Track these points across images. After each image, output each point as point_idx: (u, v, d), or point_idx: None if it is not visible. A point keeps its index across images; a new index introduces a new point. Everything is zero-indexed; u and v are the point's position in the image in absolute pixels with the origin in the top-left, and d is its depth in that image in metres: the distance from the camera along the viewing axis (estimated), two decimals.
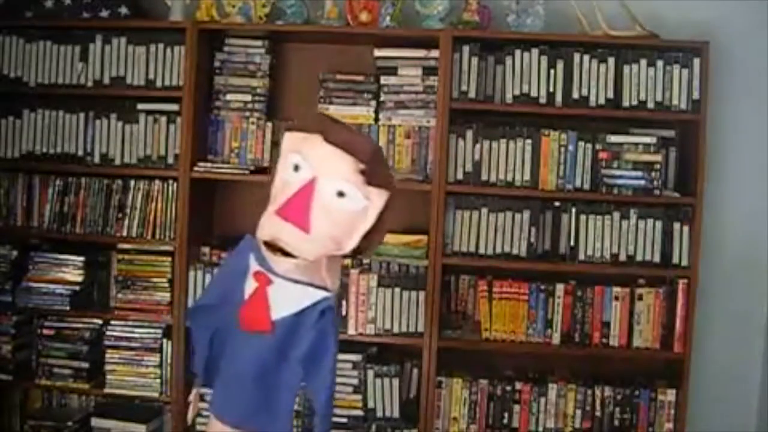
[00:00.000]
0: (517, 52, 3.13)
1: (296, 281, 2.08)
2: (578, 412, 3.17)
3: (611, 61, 3.11)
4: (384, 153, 2.19)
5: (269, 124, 3.25)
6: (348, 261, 3.12)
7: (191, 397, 2.37)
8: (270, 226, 2.05)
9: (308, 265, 2.07)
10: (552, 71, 3.12)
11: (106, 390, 3.26)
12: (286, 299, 2.08)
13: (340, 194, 2.02)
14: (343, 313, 3.15)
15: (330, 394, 2.09)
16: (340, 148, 2.02)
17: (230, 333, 2.17)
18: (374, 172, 2.04)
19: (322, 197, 2.01)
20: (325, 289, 2.10)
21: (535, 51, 3.12)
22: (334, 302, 2.11)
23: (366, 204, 2.05)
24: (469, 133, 3.16)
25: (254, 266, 2.13)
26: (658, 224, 3.12)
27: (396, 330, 3.16)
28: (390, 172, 2.18)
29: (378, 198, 2.06)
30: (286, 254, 2.03)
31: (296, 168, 2.05)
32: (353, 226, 2.06)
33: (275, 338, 2.08)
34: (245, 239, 2.20)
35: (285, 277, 2.08)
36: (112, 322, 3.26)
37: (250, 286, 2.13)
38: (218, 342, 2.22)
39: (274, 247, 2.04)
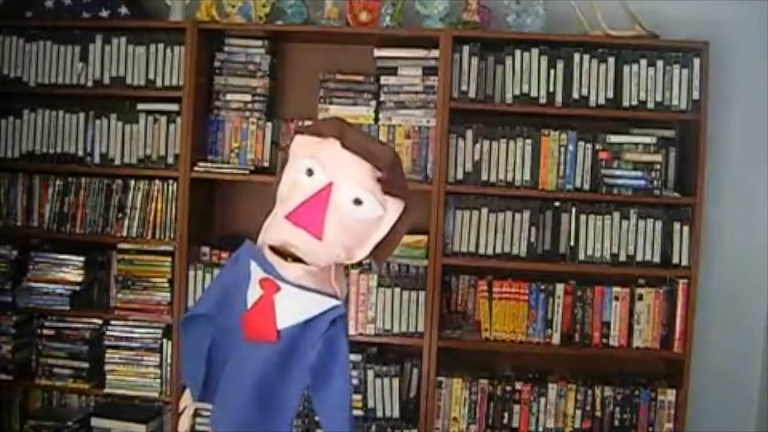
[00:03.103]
0: (517, 52, 3.13)
1: (306, 288, 1.99)
2: (578, 412, 3.17)
3: (611, 61, 3.11)
4: (401, 162, 2.12)
5: (269, 124, 3.25)
6: None
7: (182, 406, 2.23)
8: (279, 230, 1.99)
9: (318, 272, 2.00)
10: (552, 71, 3.11)
11: (106, 390, 3.26)
12: (294, 307, 2.00)
13: (357, 202, 1.96)
14: None
15: (348, 410, 1.98)
16: (358, 155, 1.97)
17: (230, 343, 2.07)
18: (392, 181, 1.99)
19: (337, 204, 1.95)
20: (334, 297, 2.03)
21: (535, 51, 3.12)
22: (345, 310, 2.04)
23: (381, 213, 2.00)
24: (469, 133, 3.16)
25: (259, 273, 2.02)
26: (658, 224, 3.12)
27: (396, 330, 3.16)
28: (406, 181, 2.11)
29: (394, 208, 2.01)
30: (295, 260, 1.97)
31: (310, 172, 1.98)
32: (366, 235, 2.01)
33: (280, 348, 1.99)
34: (245, 245, 2.11)
35: (295, 284, 1.98)
36: (112, 322, 3.26)
37: (255, 293, 2.03)
38: (215, 354, 2.10)
39: (281, 252, 1.98)
